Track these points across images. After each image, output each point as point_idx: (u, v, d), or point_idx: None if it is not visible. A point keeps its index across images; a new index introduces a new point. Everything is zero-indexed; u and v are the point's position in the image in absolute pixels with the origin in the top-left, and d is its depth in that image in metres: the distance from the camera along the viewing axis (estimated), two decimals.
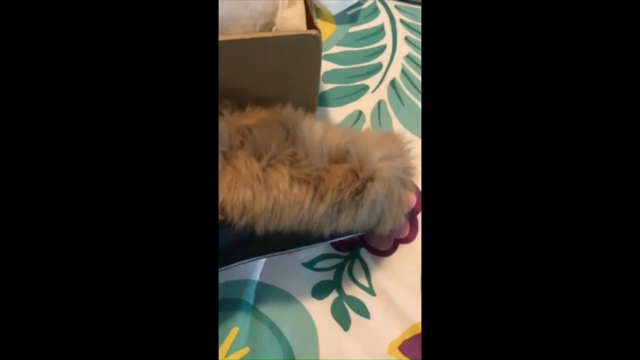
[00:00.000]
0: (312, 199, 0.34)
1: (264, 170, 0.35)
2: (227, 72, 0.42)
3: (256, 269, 0.43)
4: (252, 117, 0.37)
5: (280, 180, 0.34)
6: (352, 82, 0.57)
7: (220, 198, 0.33)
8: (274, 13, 0.45)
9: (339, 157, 0.36)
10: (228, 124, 0.36)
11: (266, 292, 0.42)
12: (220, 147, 0.35)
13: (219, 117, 0.37)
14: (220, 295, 0.42)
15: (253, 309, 0.41)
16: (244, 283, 0.43)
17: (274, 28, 0.44)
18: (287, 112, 0.38)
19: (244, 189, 0.34)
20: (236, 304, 0.42)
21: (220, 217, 0.34)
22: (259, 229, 0.35)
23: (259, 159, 0.35)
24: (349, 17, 0.63)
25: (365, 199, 0.36)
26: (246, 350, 0.40)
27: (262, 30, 0.44)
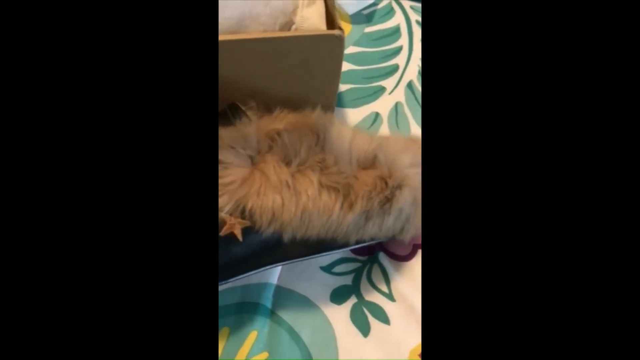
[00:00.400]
0: (341, 207, 0.34)
1: (292, 176, 0.34)
2: (248, 71, 0.41)
3: (274, 272, 0.43)
4: (281, 120, 0.36)
5: (310, 187, 0.33)
6: (369, 83, 0.56)
7: (249, 204, 0.33)
8: (294, 12, 0.44)
9: (367, 163, 0.36)
10: (257, 127, 0.35)
11: (284, 296, 0.42)
12: (248, 152, 0.34)
13: (248, 121, 0.36)
14: (238, 299, 0.41)
15: (272, 313, 0.41)
16: (262, 287, 0.42)
17: (294, 27, 0.44)
18: (317, 116, 0.37)
19: (273, 195, 0.33)
20: (254, 308, 0.41)
21: (248, 223, 0.33)
22: (287, 236, 0.34)
23: (287, 164, 0.34)
24: (364, 17, 0.62)
25: (393, 208, 0.35)
26: (265, 355, 0.39)
27: (281, 28, 0.43)
